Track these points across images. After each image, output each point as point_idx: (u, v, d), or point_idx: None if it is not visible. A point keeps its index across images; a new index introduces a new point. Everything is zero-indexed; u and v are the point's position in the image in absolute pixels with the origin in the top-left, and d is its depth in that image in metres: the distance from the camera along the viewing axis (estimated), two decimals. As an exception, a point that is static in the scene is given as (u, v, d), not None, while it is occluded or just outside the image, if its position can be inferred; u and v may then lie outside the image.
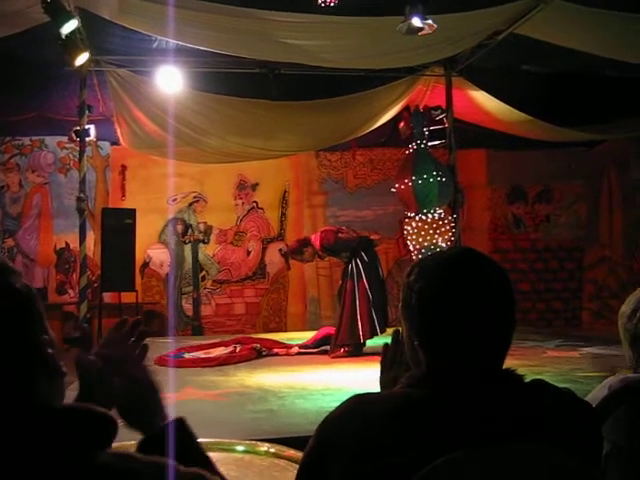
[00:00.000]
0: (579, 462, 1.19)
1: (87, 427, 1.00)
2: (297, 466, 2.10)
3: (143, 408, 1.35)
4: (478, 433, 1.19)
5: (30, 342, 1.05)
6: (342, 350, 8.01)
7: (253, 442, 2.40)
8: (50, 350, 1.08)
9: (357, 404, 1.32)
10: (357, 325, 7.98)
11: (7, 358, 1.01)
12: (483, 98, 9.63)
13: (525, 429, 1.22)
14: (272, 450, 2.26)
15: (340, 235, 8.36)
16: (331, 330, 8.45)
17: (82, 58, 7.71)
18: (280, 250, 11.60)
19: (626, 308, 1.99)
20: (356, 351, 7.98)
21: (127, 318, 1.46)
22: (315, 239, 8.34)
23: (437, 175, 9.14)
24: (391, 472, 1.15)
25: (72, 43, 7.29)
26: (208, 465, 1.30)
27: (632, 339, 1.93)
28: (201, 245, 11.48)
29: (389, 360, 1.78)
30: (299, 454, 2.17)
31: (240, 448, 2.30)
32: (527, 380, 1.35)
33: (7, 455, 0.93)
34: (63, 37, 6.95)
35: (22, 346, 1.04)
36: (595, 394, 1.87)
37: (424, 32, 6.69)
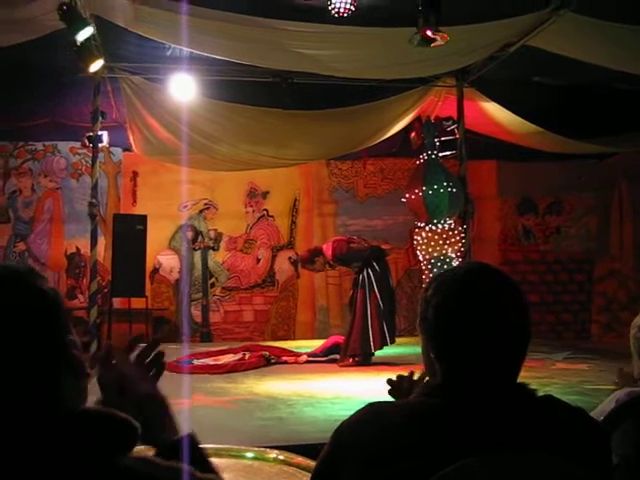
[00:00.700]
0: (588, 472, 1.21)
1: (111, 431, 1.03)
2: (306, 473, 2.13)
3: (156, 424, 1.38)
4: (490, 442, 1.21)
5: (57, 342, 1.09)
6: (352, 360, 8.02)
7: (262, 449, 2.41)
8: (75, 351, 1.11)
9: (373, 412, 1.35)
10: (369, 335, 7.98)
11: (35, 356, 1.05)
12: (494, 109, 9.65)
13: (536, 440, 1.24)
14: (281, 457, 2.27)
15: (352, 245, 8.38)
16: (340, 339, 8.46)
17: (96, 65, 7.77)
18: (290, 258, 11.62)
19: (638, 319, 2.01)
20: (365, 361, 7.99)
21: (140, 337, 1.47)
22: (327, 249, 8.35)
23: (448, 186, 9.15)
24: (403, 478, 1.17)
25: (87, 50, 7.35)
26: (218, 477, 1.33)
27: None
28: (211, 252, 11.51)
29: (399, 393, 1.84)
30: (308, 461, 2.18)
31: (249, 455, 2.31)
32: (539, 395, 1.37)
33: (32, 455, 0.96)
34: (78, 44, 7.00)
35: (49, 345, 1.08)
36: (603, 407, 1.88)
37: (436, 44, 6.70)
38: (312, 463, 2.20)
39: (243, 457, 2.29)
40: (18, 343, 1.05)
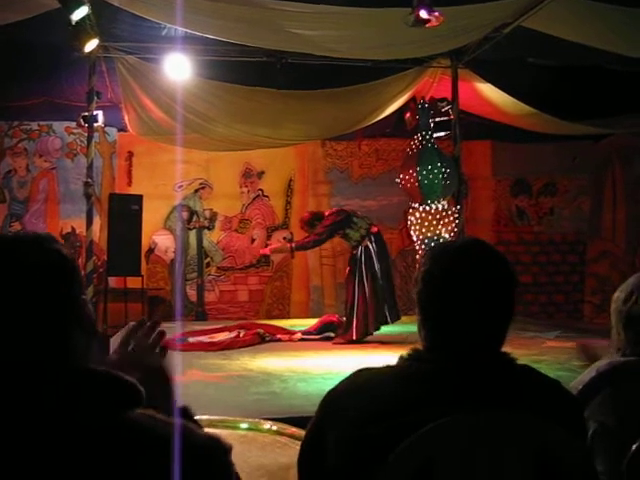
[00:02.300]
0: (565, 433, 1.27)
1: (117, 389, 1.10)
2: (299, 443, 2.19)
3: (156, 396, 1.43)
4: (470, 402, 1.28)
5: (72, 299, 1.18)
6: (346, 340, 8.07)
7: (256, 420, 2.48)
8: (87, 309, 1.21)
9: (359, 375, 1.42)
10: (367, 318, 8.03)
11: (53, 310, 1.13)
12: (489, 90, 9.67)
13: (513, 402, 1.30)
14: (274, 428, 2.35)
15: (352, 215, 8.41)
16: (333, 317, 8.54)
17: (91, 44, 7.76)
18: (284, 238, 11.67)
19: (620, 293, 2.07)
20: (359, 340, 8.05)
21: (145, 319, 1.54)
22: (328, 213, 8.42)
23: (442, 167, 9.18)
24: (390, 434, 1.24)
25: (82, 29, 7.33)
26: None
27: (626, 320, 2.01)
28: (206, 232, 11.55)
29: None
30: (300, 432, 2.25)
31: (244, 425, 2.39)
32: (518, 364, 1.44)
33: (44, 408, 1.03)
34: (73, 23, 6.99)
35: (66, 301, 1.16)
36: (583, 377, 1.95)
37: (431, 24, 6.72)
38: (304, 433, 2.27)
39: (237, 428, 2.36)
40: (38, 297, 1.13)
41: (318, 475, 1.37)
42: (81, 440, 1.02)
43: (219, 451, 1.16)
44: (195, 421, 1.43)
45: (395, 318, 8.15)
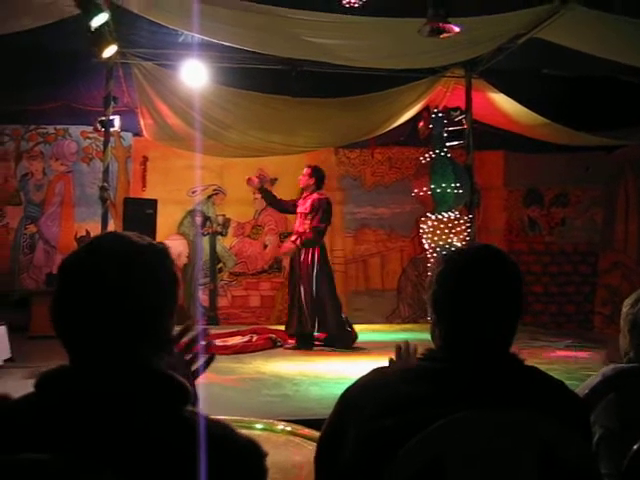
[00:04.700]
0: (569, 432, 1.33)
1: (177, 388, 1.21)
2: (312, 443, 2.25)
3: None
4: (480, 400, 1.34)
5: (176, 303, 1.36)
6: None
7: (270, 421, 2.54)
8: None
9: (377, 373, 1.49)
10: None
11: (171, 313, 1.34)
12: (502, 100, 9.71)
13: (521, 400, 1.36)
14: (288, 428, 2.40)
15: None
16: None
17: (110, 50, 7.86)
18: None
19: (629, 299, 2.13)
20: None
21: (190, 325, 1.64)
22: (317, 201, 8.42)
23: (454, 177, 9.26)
24: (404, 428, 1.30)
25: (101, 36, 7.44)
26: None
27: (631, 325, 2.06)
28: (219, 237, 11.61)
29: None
30: (313, 432, 2.31)
31: (258, 426, 2.45)
32: (526, 365, 1.50)
33: (120, 402, 1.15)
34: (92, 30, 7.09)
35: (175, 305, 1.35)
36: (589, 382, 2.00)
37: (446, 35, 6.78)
38: (318, 434, 2.32)
39: (252, 428, 2.42)
40: (167, 301, 1.31)
41: (335, 469, 1.43)
42: (149, 430, 1.14)
43: (258, 454, 1.24)
44: None
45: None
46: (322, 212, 8.24)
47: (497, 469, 1.25)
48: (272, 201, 8.97)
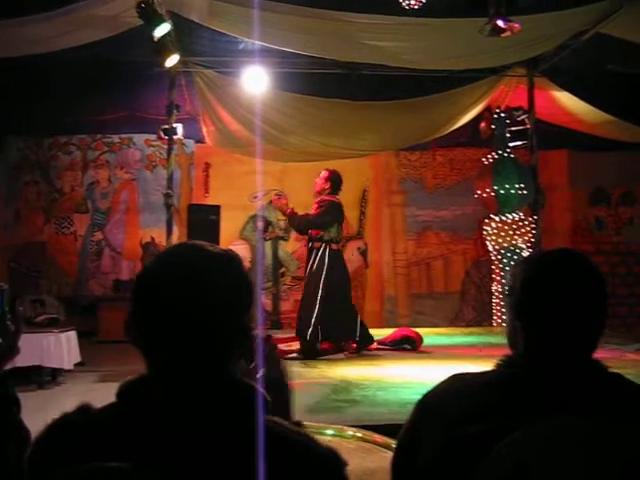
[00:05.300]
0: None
1: (257, 398, 1.22)
2: (383, 449, 2.24)
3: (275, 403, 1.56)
4: (562, 407, 1.31)
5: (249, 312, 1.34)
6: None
7: (340, 427, 2.54)
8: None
9: (456, 379, 1.47)
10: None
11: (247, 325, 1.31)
12: (566, 98, 9.55)
13: (605, 409, 1.33)
14: (358, 434, 2.39)
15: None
16: (409, 331, 8.53)
17: (172, 60, 7.98)
18: (359, 249, 11.71)
19: None
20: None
21: (270, 335, 1.69)
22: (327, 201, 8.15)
23: (518, 177, 9.16)
24: (483, 437, 1.28)
25: (163, 45, 7.57)
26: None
27: None
28: (281, 242, 11.69)
29: None
30: (384, 439, 2.29)
31: (329, 432, 2.44)
32: (610, 371, 1.47)
33: (202, 412, 1.17)
34: (156, 40, 7.22)
35: (248, 314, 1.33)
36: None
37: (507, 33, 6.70)
38: (388, 440, 2.31)
39: (323, 434, 2.41)
40: (244, 309, 1.31)
41: (413, 475, 1.42)
42: (230, 440, 1.15)
43: (339, 464, 1.23)
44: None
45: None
46: (324, 209, 8.05)
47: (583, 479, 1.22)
48: (299, 222, 8.38)
